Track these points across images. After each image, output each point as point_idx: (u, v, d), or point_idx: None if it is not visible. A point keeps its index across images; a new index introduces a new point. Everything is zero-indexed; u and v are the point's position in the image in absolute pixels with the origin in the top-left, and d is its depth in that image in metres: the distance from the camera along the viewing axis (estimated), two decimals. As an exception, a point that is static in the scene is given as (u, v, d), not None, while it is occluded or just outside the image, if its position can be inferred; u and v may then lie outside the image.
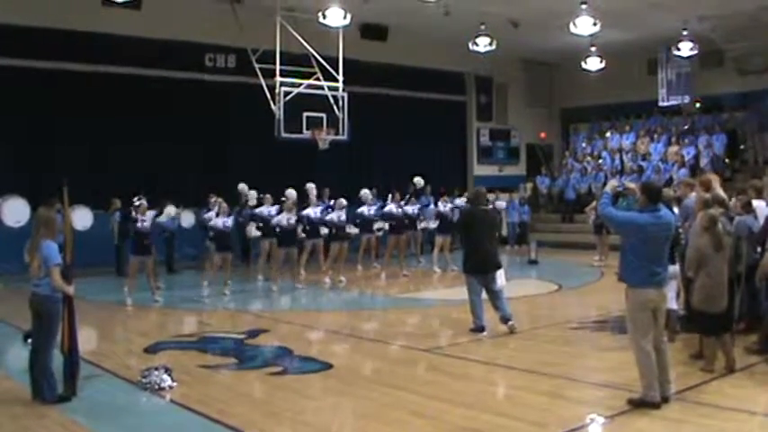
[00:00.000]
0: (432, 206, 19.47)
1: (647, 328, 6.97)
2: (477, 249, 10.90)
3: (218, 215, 15.53)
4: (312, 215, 16.91)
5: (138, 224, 14.17)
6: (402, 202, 18.37)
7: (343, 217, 16.89)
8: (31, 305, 7.60)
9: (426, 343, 10.36)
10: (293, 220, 15.90)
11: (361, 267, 18.85)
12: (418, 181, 19.05)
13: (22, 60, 18.13)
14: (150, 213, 14.60)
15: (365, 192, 18.34)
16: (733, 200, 10.01)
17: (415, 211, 18.85)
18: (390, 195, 18.83)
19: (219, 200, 16.10)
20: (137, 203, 14.46)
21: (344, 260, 17.00)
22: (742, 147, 24.74)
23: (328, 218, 16.82)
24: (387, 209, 18.41)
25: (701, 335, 8.45)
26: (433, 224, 19.23)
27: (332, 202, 17.46)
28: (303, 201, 17.56)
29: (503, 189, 26.14)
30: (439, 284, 16.94)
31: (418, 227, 19.45)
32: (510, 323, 10.72)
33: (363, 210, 18.47)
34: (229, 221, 15.43)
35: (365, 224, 18.46)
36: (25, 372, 7.69)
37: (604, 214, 7.34)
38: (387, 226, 18.63)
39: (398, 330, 11.92)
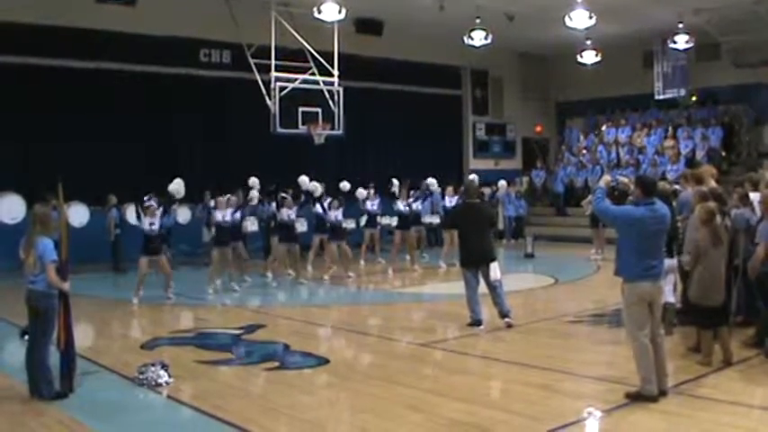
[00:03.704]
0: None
1: (644, 322, 6.97)
2: (470, 243, 10.93)
3: (215, 208, 15.50)
4: (320, 211, 16.94)
5: (147, 227, 13.99)
6: (410, 199, 18.28)
7: (340, 216, 16.85)
8: (27, 302, 7.58)
9: (424, 337, 10.37)
10: (293, 215, 15.96)
11: (363, 262, 18.95)
12: (431, 182, 19.03)
13: (17, 57, 18.07)
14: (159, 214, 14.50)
15: (361, 191, 18.26)
16: (735, 196, 9.96)
17: (420, 207, 18.85)
18: (397, 191, 18.84)
19: (232, 198, 16.00)
20: (146, 204, 14.32)
21: (348, 257, 16.97)
22: (735, 140, 24.75)
23: (328, 217, 16.79)
24: (396, 206, 18.36)
25: (698, 328, 8.45)
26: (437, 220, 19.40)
27: (329, 200, 17.36)
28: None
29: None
30: (436, 279, 16.93)
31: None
32: (507, 319, 10.72)
33: (367, 205, 18.51)
34: (229, 215, 15.31)
35: (369, 219, 18.52)
36: (22, 369, 7.67)
37: (599, 209, 7.33)
38: (394, 222, 18.65)
39: (396, 325, 11.93)
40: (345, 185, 17.93)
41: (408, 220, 18.22)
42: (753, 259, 8.62)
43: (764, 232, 8.51)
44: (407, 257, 18.50)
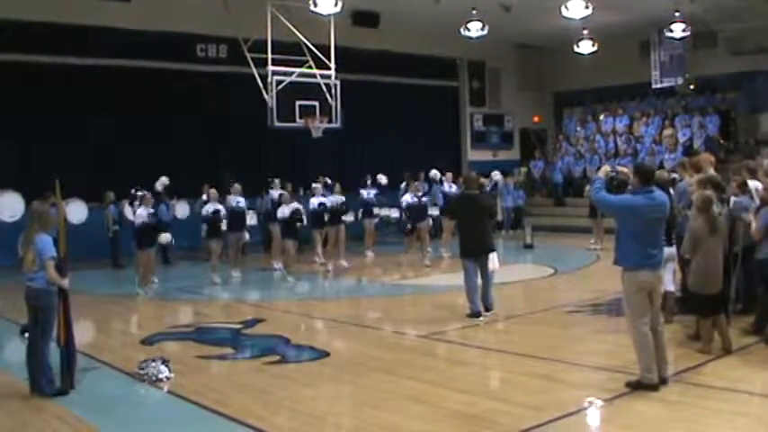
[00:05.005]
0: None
1: (644, 311, 6.97)
2: (469, 234, 10.98)
3: (207, 201, 15.71)
4: (316, 205, 16.99)
5: (146, 218, 14.13)
6: (418, 192, 18.10)
7: (340, 201, 16.92)
8: (26, 299, 7.59)
9: (423, 329, 10.36)
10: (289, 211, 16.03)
11: (371, 254, 19.08)
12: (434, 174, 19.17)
13: (11, 55, 17.98)
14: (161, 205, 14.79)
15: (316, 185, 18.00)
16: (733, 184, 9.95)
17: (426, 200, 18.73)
18: (405, 183, 18.83)
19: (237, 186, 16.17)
20: (140, 194, 14.51)
21: (343, 244, 17.00)
22: (732, 128, 24.72)
23: (328, 202, 16.83)
24: (403, 198, 18.26)
25: (697, 316, 8.46)
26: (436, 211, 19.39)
27: (328, 180, 17.45)
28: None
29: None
30: (436, 270, 16.89)
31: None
32: (491, 312, 10.80)
33: (363, 194, 18.56)
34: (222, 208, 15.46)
35: (365, 209, 18.54)
36: (23, 366, 7.68)
37: (597, 199, 7.31)
38: (394, 214, 18.65)
39: (395, 317, 11.92)
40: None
41: (419, 211, 18.03)
42: (753, 229, 8.66)
43: (765, 217, 8.54)
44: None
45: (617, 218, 7.32)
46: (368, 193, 18.77)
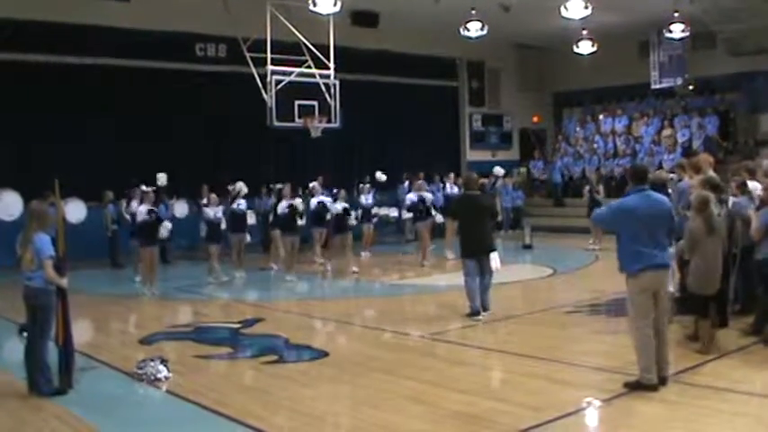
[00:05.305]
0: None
1: (647, 312, 6.96)
2: (470, 234, 10.99)
3: (206, 205, 15.76)
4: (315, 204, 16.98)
5: (146, 215, 14.12)
6: (421, 191, 17.96)
7: (344, 208, 16.85)
8: (25, 299, 7.57)
9: (422, 329, 10.37)
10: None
11: (368, 253, 19.08)
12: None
13: (10, 54, 17.96)
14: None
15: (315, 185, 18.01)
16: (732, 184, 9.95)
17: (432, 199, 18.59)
18: (408, 183, 18.76)
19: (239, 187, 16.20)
20: (143, 189, 14.55)
21: (349, 249, 16.97)
22: (731, 129, 24.71)
23: (333, 209, 16.72)
24: (408, 197, 18.23)
25: (696, 317, 8.46)
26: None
27: (335, 191, 17.44)
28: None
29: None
30: (437, 270, 16.86)
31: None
32: (487, 312, 10.81)
33: (361, 199, 18.50)
34: (220, 212, 15.51)
35: (364, 213, 18.49)
36: (21, 365, 7.67)
37: (595, 218, 7.36)
38: (393, 212, 18.61)
39: (394, 317, 11.87)
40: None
41: (421, 211, 17.81)
42: (753, 229, 8.66)
43: (764, 217, 8.54)
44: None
45: (615, 224, 7.31)
46: (366, 199, 18.72)
